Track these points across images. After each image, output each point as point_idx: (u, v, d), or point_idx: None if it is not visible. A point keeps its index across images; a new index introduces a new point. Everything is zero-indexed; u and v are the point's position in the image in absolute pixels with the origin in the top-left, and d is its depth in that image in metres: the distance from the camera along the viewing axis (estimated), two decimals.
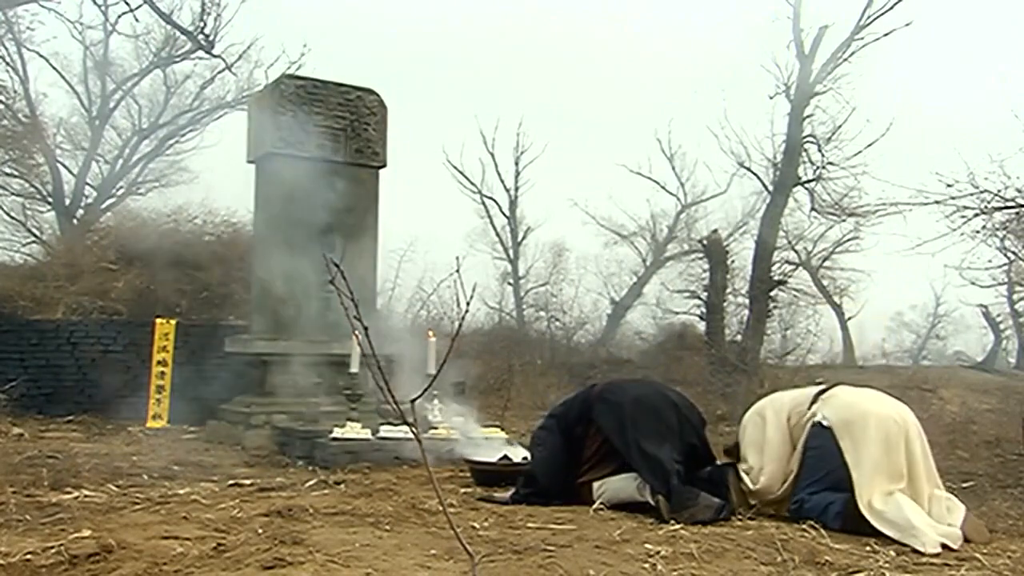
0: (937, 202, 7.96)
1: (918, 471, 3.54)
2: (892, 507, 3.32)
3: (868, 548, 3.13)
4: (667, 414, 3.96)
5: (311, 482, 4.58)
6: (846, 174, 13.91)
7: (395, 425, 5.58)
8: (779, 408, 3.93)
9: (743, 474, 3.84)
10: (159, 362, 8.60)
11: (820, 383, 4.04)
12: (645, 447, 3.77)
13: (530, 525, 3.39)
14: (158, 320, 8.75)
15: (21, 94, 15.62)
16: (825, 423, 3.63)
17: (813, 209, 14.83)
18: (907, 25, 13.38)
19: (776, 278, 14.34)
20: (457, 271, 2.59)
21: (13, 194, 15.66)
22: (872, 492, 3.40)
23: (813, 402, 3.79)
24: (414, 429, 2.37)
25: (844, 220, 15.02)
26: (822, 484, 3.57)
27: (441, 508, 2.55)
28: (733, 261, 14.90)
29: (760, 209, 16.21)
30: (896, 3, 13.29)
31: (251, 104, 8.38)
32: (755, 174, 15.86)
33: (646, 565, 2.76)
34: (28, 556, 2.78)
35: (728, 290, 14.38)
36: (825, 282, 19.92)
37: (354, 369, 6.03)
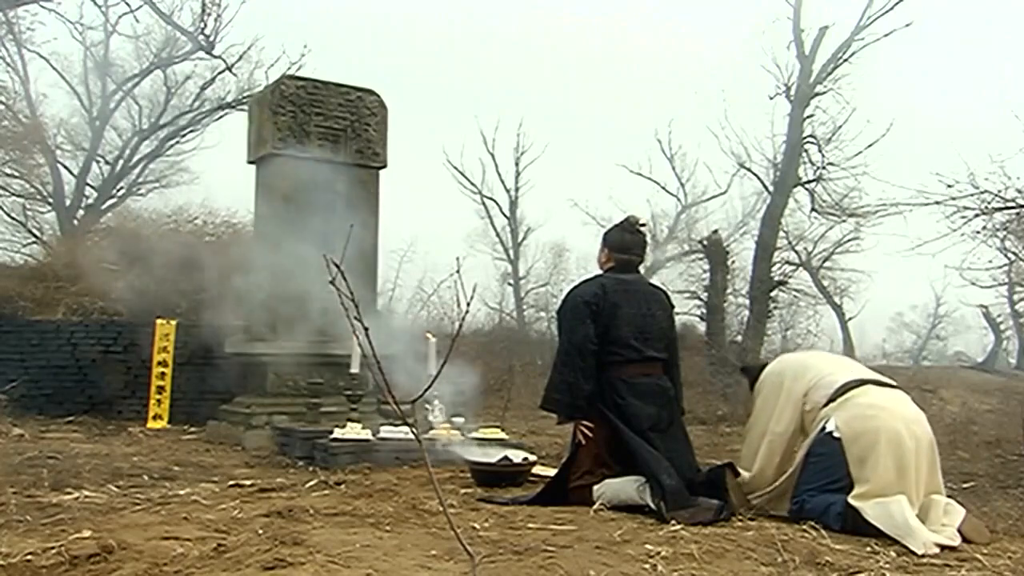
0: (937, 202, 7.96)
1: (921, 483, 3.50)
2: (889, 508, 3.31)
3: (868, 549, 3.13)
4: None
5: (311, 483, 4.57)
6: (846, 174, 13.96)
7: (395, 426, 5.58)
8: (798, 378, 3.81)
9: (742, 472, 3.84)
10: (159, 363, 8.60)
11: (862, 379, 3.76)
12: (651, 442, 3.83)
13: (530, 526, 3.38)
14: (158, 321, 8.76)
15: (21, 95, 15.68)
16: (836, 434, 3.53)
17: (813, 209, 14.87)
18: (907, 26, 13.44)
19: (776, 278, 14.37)
20: (457, 272, 2.58)
21: (14, 195, 15.69)
22: (865, 500, 3.38)
23: (832, 399, 3.65)
24: (414, 430, 2.36)
25: (844, 220, 15.07)
26: (824, 489, 3.54)
27: (442, 509, 2.55)
28: (733, 261, 14.94)
29: (760, 209, 16.27)
30: (896, 4, 13.33)
31: (251, 105, 8.38)
32: (755, 174, 15.91)
33: (646, 566, 2.75)
34: (29, 557, 2.77)
35: (728, 290, 14.41)
36: (825, 282, 19.93)
37: (354, 369, 6.03)
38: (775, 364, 4.11)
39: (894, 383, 3.86)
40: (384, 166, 7.83)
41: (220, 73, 16.03)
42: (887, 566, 2.90)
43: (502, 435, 5.88)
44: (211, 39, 10.80)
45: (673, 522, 3.44)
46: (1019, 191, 7.63)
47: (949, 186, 7.85)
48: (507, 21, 38.16)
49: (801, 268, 17.25)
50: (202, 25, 10.69)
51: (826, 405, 3.67)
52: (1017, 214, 7.95)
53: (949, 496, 3.69)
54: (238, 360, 7.73)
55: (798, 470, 3.68)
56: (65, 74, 16.62)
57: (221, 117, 17.18)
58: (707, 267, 14.59)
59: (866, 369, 4.02)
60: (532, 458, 4.90)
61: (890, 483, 3.40)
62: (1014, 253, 9.61)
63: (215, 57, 13.86)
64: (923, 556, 3.07)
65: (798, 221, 15.83)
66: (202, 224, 11.55)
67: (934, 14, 32.88)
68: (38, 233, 15.92)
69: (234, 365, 8.11)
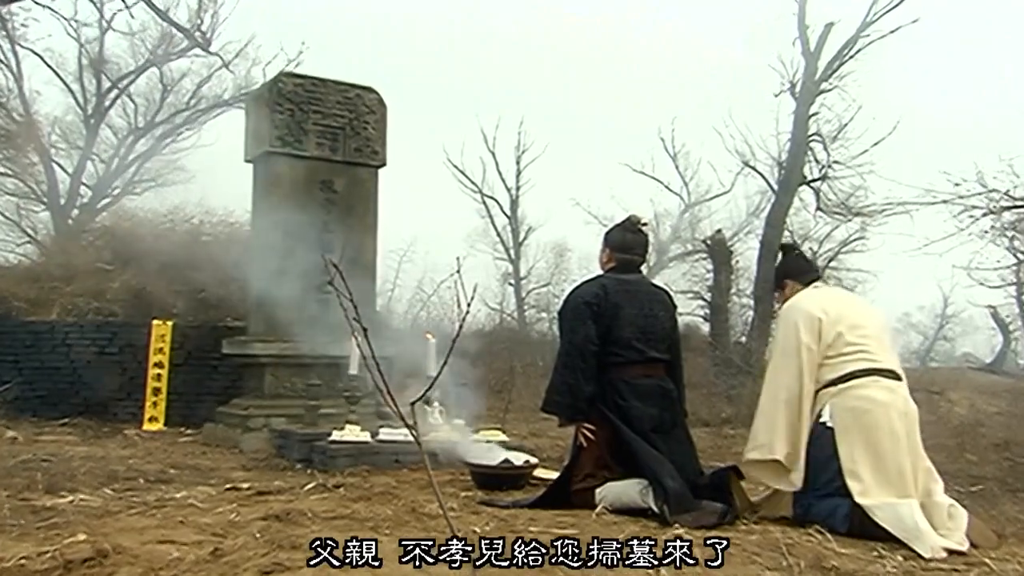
0: (945, 201, 7.94)
1: (919, 479, 3.46)
2: (899, 511, 3.27)
3: (875, 553, 3.08)
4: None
5: (309, 486, 4.53)
6: (852, 173, 13.91)
7: (395, 428, 5.53)
8: (823, 337, 3.65)
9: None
10: (155, 364, 8.55)
11: (870, 368, 3.61)
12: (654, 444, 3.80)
13: (532, 529, 3.34)
14: (154, 322, 8.71)
15: (15, 92, 15.63)
16: (829, 423, 3.55)
17: (819, 208, 14.82)
18: (914, 22, 13.41)
19: None
20: (458, 272, 2.53)
21: (7, 194, 15.71)
22: (873, 500, 3.34)
23: (834, 383, 3.59)
24: (414, 432, 2.31)
25: (850, 220, 15.00)
26: (828, 488, 3.51)
27: (441, 512, 2.51)
28: (737, 261, 14.91)
29: (765, 209, 16.23)
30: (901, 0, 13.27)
31: (249, 102, 8.33)
32: (760, 173, 15.87)
33: (650, 570, 2.71)
34: (23, 561, 2.74)
35: (732, 291, 14.38)
36: (831, 282, 19.89)
37: (353, 371, 5.98)
38: (808, 298, 3.84)
39: (900, 374, 3.77)
40: (383, 164, 7.78)
41: (217, 70, 16.06)
42: (893, 570, 2.86)
43: (503, 437, 5.83)
44: (207, 36, 10.77)
45: (676, 525, 3.40)
46: None
47: (956, 185, 7.83)
48: (507, 21, 38.20)
49: None
50: (198, 22, 10.67)
51: (828, 386, 3.61)
52: None
53: (956, 499, 3.64)
54: (235, 361, 7.69)
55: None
56: (59, 71, 16.59)
57: (218, 115, 17.18)
58: (711, 267, 14.56)
59: (889, 350, 3.83)
60: (533, 460, 4.86)
61: (888, 482, 3.38)
62: (1023, 252, 9.57)
63: (211, 54, 13.84)
64: (930, 560, 3.03)
65: (803, 220, 15.79)
66: (199, 224, 11.49)
67: (939, 12, 32.95)
68: (32, 233, 15.91)
69: (231, 367, 8.06)
